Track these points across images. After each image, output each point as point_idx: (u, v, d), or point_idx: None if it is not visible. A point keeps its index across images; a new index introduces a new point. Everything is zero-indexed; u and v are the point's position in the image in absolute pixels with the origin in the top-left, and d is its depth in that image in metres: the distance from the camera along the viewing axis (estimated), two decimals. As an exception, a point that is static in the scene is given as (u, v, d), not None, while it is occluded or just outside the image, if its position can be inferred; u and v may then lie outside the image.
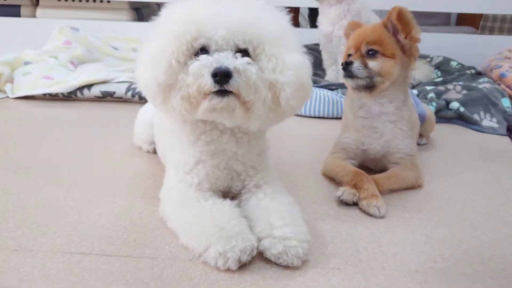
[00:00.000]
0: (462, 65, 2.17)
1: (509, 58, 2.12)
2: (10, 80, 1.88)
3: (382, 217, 0.92)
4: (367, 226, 0.89)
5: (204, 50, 0.76)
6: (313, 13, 2.95)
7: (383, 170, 1.11)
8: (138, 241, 0.80)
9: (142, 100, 1.71)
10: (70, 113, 1.64)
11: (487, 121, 1.64)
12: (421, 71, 2.04)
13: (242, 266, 0.73)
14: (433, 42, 2.36)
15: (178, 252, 0.77)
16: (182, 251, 0.77)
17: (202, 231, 0.75)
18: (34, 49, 2.15)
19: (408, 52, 1.04)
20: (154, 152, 1.19)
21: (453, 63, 2.19)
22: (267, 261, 0.75)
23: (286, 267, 0.74)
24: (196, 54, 0.76)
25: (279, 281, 0.71)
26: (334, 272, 0.74)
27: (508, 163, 1.28)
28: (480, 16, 3.34)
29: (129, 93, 1.76)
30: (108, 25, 2.52)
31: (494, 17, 3.27)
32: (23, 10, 2.62)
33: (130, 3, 2.61)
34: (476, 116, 1.65)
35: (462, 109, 1.65)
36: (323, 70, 2.15)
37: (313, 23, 2.68)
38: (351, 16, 1.88)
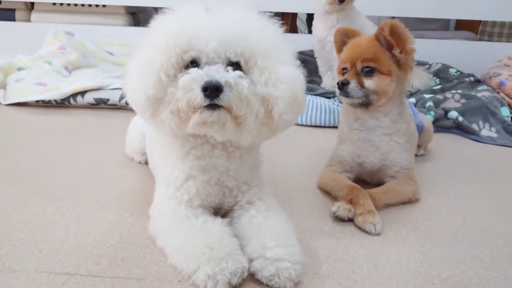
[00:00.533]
0: (461, 73, 2.15)
1: (509, 66, 2.10)
2: (3, 86, 1.85)
3: (378, 234, 0.90)
4: (363, 244, 0.86)
5: (194, 63, 0.74)
6: (311, 18, 2.94)
7: (379, 183, 1.09)
8: (126, 260, 0.78)
9: (136, 108, 1.68)
10: (63, 121, 1.62)
11: (486, 131, 1.62)
12: (419, 79, 2.02)
13: (233, 288, 0.70)
14: (431, 49, 2.35)
15: (166, 272, 0.75)
16: (171, 271, 0.75)
17: (192, 251, 0.72)
18: (28, 53, 2.13)
19: (404, 66, 1.02)
20: (146, 163, 1.17)
21: (452, 70, 2.17)
22: (259, 282, 0.72)
23: (278, 289, 0.71)
24: (187, 67, 0.74)
25: (270, 304, 0.68)
26: (328, 295, 0.71)
27: (508, 175, 1.26)
28: (479, 21, 3.33)
29: (123, 101, 1.74)
30: (104, 29, 2.50)
31: (493, 22, 3.25)
32: (17, 14, 2.60)
33: (126, 7, 2.59)
34: (475, 126, 1.63)
35: (460, 118, 1.63)
36: (320, 77, 2.13)
37: (311, 29, 2.66)
38: (346, 22, 1.86)
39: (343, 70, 1.05)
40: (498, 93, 1.90)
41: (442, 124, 1.65)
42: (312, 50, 2.18)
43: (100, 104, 1.76)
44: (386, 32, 0.99)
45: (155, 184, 0.94)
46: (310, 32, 2.53)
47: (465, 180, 1.21)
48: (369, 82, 1.00)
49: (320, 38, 2.00)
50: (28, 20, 2.60)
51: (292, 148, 1.42)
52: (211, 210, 0.86)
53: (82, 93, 1.75)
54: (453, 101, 1.77)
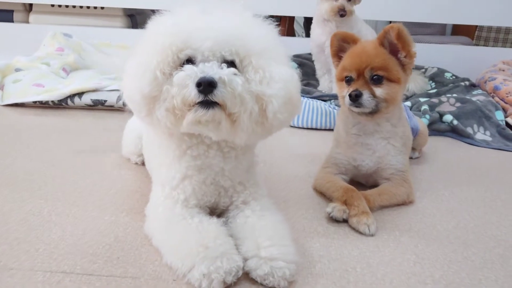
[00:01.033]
0: (457, 77, 2.16)
1: (504, 71, 2.11)
2: (1, 87, 1.86)
3: (372, 235, 0.91)
4: (357, 244, 0.87)
5: (190, 61, 0.75)
6: (308, 22, 2.95)
7: (374, 185, 1.10)
8: (121, 259, 0.78)
9: (134, 109, 1.69)
10: (60, 122, 1.62)
11: (481, 134, 1.64)
12: (415, 83, 2.04)
13: (227, 287, 0.71)
14: (427, 53, 2.36)
15: (162, 271, 0.75)
16: (166, 270, 0.75)
17: (187, 250, 0.73)
18: (26, 54, 2.13)
19: (407, 69, 1.03)
20: (143, 164, 1.17)
21: (448, 75, 2.18)
22: (253, 281, 0.73)
23: (273, 288, 0.72)
24: (182, 65, 0.75)
25: (264, 303, 0.69)
26: (321, 294, 0.72)
27: (501, 178, 1.27)
28: (475, 26, 3.35)
29: (121, 102, 1.74)
30: (102, 31, 2.50)
31: (489, 28, 3.28)
32: (16, 16, 2.60)
33: (124, 9, 2.60)
34: (469, 129, 1.64)
35: (455, 122, 1.65)
36: (317, 80, 2.15)
37: (308, 32, 2.68)
38: (345, 28, 1.87)
39: (346, 78, 1.04)
40: (493, 97, 1.92)
41: (437, 128, 1.66)
42: (309, 54, 2.19)
43: (97, 106, 1.77)
44: (392, 35, 0.99)
45: (151, 184, 0.94)
46: (307, 35, 2.55)
47: (458, 182, 1.22)
48: (379, 91, 1.00)
49: (319, 43, 2.01)
50: (26, 22, 2.61)
51: (288, 150, 1.43)
52: (207, 210, 0.87)
53: (80, 94, 1.76)
54: (448, 105, 1.78)
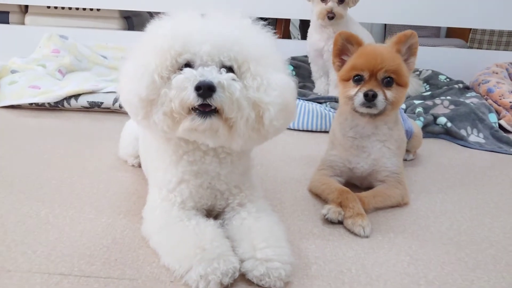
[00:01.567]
0: (451, 79, 2.18)
1: (497, 73, 2.14)
2: (-4, 88, 1.86)
3: (366, 237, 0.92)
4: (352, 246, 0.88)
5: (188, 65, 0.76)
6: (304, 25, 2.97)
7: (369, 187, 1.11)
8: (119, 261, 0.79)
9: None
10: (56, 124, 1.62)
11: (474, 137, 1.65)
12: (410, 85, 2.04)
13: (224, 288, 0.72)
14: (422, 56, 2.36)
15: (159, 273, 0.76)
16: (163, 272, 0.76)
17: (184, 252, 0.74)
18: (22, 56, 2.13)
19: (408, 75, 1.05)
20: (139, 166, 1.18)
21: (442, 77, 2.21)
22: (250, 282, 0.74)
23: (268, 289, 0.73)
24: (181, 69, 0.75)
25: (261, 304, 0.70)
26: (317, 295, 0.73)
27: (494, 180, 1.29)
28: (469, 29, 3.38)
29: (117, 104, 1.74)
30: (98, 33, 2.51)
31: (483, 30, 3.31)
32: (11, 17, 2.60)
33: (121, 11, 2.60)
34: (463, 132, 1.66)
35: (449, 124, 1.66)
36: (313, 82, 2.16)
37: (304, 35, 2.69)
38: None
39: (355, 78, 1.03)
40: (486, 99, 1.94)
41: (431, 130, 1.68)
42: (305, 56, 2.20)
43: (94, 108, 1.77)
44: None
45: (148, 186, 0.95)
46: (303, 38, 2.56)
47: (452, 184, 1.24)
48: (389, 94, 1.01)
49: (317, 48, 2.02)
50: (22, 23, 2.61)
51: (284, 152, 1.44)
52: (204, 212, 0.88)
53: (76, 96, 1.76)
54: (442, 107, 1.80)
